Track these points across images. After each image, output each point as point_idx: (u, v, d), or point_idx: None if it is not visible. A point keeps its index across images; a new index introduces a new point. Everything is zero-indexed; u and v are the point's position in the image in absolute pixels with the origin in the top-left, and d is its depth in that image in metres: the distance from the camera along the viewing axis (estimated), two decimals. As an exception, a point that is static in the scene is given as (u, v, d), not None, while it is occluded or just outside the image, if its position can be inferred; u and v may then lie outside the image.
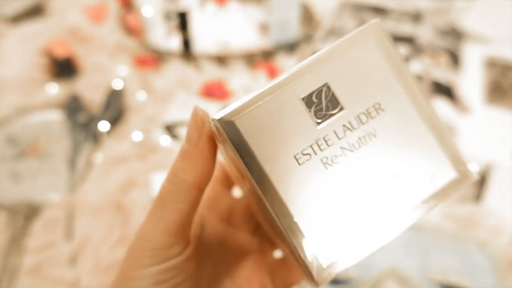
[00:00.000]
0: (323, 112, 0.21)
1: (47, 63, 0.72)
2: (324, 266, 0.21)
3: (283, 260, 0.32)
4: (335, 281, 0.51)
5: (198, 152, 0.24)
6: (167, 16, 0.80)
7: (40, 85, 0.70)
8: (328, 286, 0.51)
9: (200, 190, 0.25)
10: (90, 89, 0.69)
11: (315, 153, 0.21)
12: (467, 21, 0.89)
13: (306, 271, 0.21)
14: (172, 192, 0.25)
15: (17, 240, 0.49)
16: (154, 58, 0.75)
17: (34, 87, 0.70)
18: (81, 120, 0.64)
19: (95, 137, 0.62)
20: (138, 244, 0.25)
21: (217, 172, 0.33)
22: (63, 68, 0.71)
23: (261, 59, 0.77)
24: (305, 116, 0.21)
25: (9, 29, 0.80)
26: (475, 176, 0.23)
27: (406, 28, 0.87)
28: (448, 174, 0.23)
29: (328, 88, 0.21)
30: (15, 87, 0.69)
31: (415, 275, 0.51)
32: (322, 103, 0.21)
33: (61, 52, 0.72)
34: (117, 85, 0.69)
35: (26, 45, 0.77)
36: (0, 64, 0.73)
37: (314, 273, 0.21)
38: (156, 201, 0.25)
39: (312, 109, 0.21)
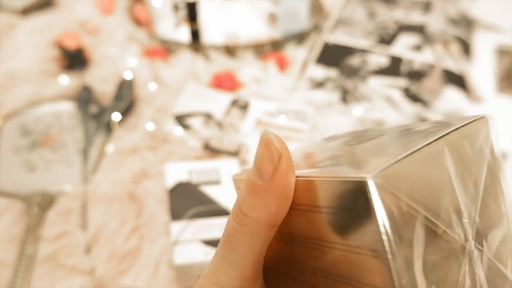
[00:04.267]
0: None
1: (58, 55, 0.72)
2: None
3: None
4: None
5: (271, 187, 0.21)
6: (176, 7, 0.80)
7: (51, 76, 0.70)
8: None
9: (274, 227, 0.22)
10: (100, 81, 0.69)
11: None
12: (478, 9, 0.89)
13: None
14: (244, 233, 0.22)
15: (32, 230, 0.49)
16: (163, 49, 0.75)
17: (45, 78, 0.70)
18: (92, 111, 0.64)
19: (107, 128, 0.62)
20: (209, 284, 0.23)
21: None
22: (74, 60, 0.71)
23: (270, 49, 0.76)
24: None
25: (20, 22, 0.81)
26: None
27: (416, 17, 0.86)
28: None
29: None
30: (27, 79, 0.69)
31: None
32: None
33: (71, 44, 0.72)
34: (128, 76, 0.69)
35: (36, 37, 0.77)
36: (11, 56, 0.74)
37: None
38: (225, 242, 0.23)
39: None
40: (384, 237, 0.16)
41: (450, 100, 0.69)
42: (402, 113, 0.67)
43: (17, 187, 0.55)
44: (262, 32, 0.80)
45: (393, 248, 0.16)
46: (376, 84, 0.72)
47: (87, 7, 0.84)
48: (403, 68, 0.75)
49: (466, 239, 0.19)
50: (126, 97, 0.65)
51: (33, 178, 0.56)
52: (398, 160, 0.17)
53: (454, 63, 0.76)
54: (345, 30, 0.83)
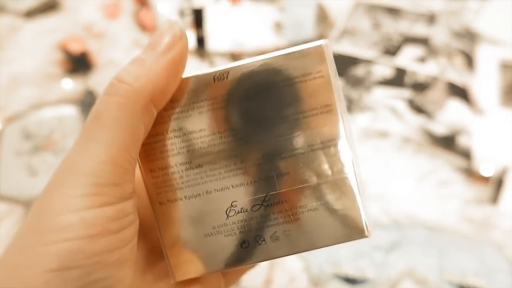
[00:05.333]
0: None
1: (62, 58, 0.72)
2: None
3: None
4: (351, 281, 0.51)
5: (164, 60, 0.19)
6: (182, 13, 0.80)
7: (55, 80, 0.70)
8: (344, 286, 0.51)
9: (156, 107, 0.20)
10: (105, 85, 0.69)
11: None
12: (481, 23, 0.89)
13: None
14: (119, 106, 0.19)
15: (33, 235, 0.49)
16: (168, 55, 0.75)
17: (49, 82, 0.70)
18: (96, 116, 0.64)
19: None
20: (68, 178, 0.18)
21: None
22: (78, 64, 0.71)
23: (275, 57, 0.76)
24: None
25: (24, 24, 0.80)
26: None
27: (421, 29, 0.86)
28: None
29: None
30: (30, 82, 0.69)
31: (433, 276, 0.51)
32: None
33: (76, 47, 0.72)
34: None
35: (40, 40, 0.77)
36: (15, 59, 0.73)
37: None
38: (93, 120, 0.19)
39: None
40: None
41: (453, 112, 0.70)
42: (406, 123, 0.67)
43: (19, 192, 0.54)
44: (267, 40, 0.80)
45: None
46: (381, 95, 0.72)
47: (92, 11, 0.84)
48: (407, 79, 0.75)
49: None
50: (130, 103, 0.65)
51: (35, 182, 0.56)
52: None
53: (457, 76, 0.76)
54: (350, 41, 0.83)
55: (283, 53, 0.22)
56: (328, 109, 0.22)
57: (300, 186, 0.23)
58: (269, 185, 0.23)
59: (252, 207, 0.23)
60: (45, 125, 0.63)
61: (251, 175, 0.23)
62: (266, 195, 0.23)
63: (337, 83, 0.23)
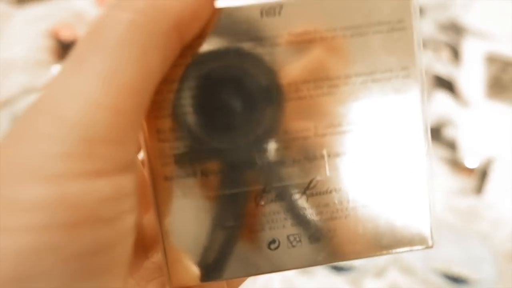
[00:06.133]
0: None
1: (53, 45, 0.72)
2: None
3: None
4: (338, 268, 0.52)
5: None
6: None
7: (45, 67, 0.69)
8: (331, 274, 0.52)
9: (180, 38, 0.14)
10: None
11: None
12: (468, 17, 0.90)
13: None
14: (130, 24, 0.12)
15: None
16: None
17: (39, 69, 0.69)
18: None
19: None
20: (42, 124, 0.11)
21: None
22: (69, 51, 0.71)
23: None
24: None
25: (15, 11, 0.79)
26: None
27: (408, 22, 0.87)
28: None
29: None
30: (21, 68, 0.69)
31: (419, 264, 0.52)
32: None
33: (67, 35, 0.72)
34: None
35: (32, 27, 0.76)
36: (5, 45, 0.73)
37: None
38: (90, 41, 0.13)
39: None
40: None
41: (440, 104, 0.71)
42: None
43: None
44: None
45: None
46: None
47: (82, -1, 0.84)
48: (396, 71, 0.76)
49: None
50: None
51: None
52: None
53: (444, 69, 0.78)
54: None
55: None
56: (406, 73, 0.17)
57: (357, 173, 0.18)
58: (317, 168, 0.17)
59: (291, 195, 0.18)
60: (36, 112, 0.63)
61: (295, 151, 0.17)
62: (311, 181, 0.17)
63: (420, 38, 0.18)
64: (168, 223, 0.17)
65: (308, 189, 0.17)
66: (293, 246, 0.18)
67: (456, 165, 0.61)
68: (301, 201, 0.17)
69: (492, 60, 0.82)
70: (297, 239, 0.18)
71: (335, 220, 0.18)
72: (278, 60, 0.17)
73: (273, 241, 0.18)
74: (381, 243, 0.18)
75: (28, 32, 0.75)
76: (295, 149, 0.17)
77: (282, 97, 0.17)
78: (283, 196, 0.17)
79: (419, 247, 0.19)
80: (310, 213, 0.18)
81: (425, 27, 0.86)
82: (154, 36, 0.12)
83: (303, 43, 0.17)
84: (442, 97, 0.72)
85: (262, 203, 0.17)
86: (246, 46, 0.16)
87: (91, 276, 0.11)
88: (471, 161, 0.62)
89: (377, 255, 0.18)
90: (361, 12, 0.17)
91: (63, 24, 0.75)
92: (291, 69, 0.17)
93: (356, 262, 0.52)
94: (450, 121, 0.68)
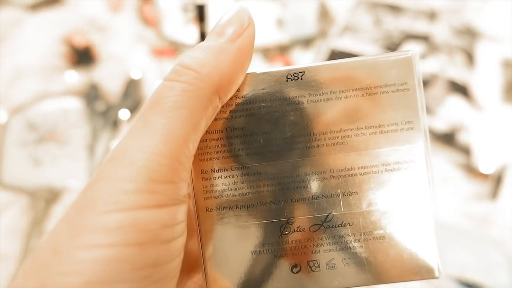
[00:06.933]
0: None
1: (66, 51, 0.72)
2: None
3: None
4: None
5: (231, 47, 0.17)
6: (185, 8, 0.80)
7: (59, 72, 0.70)
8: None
9: (220, 99, 0.18)
10: (108, 78, 0.69)
11: None
12: (482, 21, 0.89)
13: None
14: (182, 92, 0.16)
15: (38, 224, 0.49)
16: (172, 49, 0.76)
17: (53, 74, 0.70)
18: (99, 109, 0.64)
19: (114, 126, 0.62)
20: (119, 168, 0.15)
21: None
22: (82, 57, 0.71)
23: (277, 53, 0.77)
24: None
25: (29, 16, 0.81)
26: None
27: (421, 26, 0.87)
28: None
29: None
30: (34, 74, 0.70)
31: (432, 270, 0.51)
32: None
33: (80, 40, 0.72)
34: (136, 74, 0.69)
35: (45, 33, 0.77)
36: (19, 50, 0.74)
37: None
38: (152, 106, 0.16)
39: None
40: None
41: (453, 109, 0.70)
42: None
43: (23, 182, 0.55)
44: (270, 36, 0.81)
45: None
46: (382, 91, 0.72)
47: (96, 5, 0.84)
48: (408, 76, 0.75)
49: None
50: (133, 96, 0.65)
51: (39, 173, 0.56)
52: None
53: (458, 73, 0.77)
54: (352, 37, 0.84)
55: (367, 59, 0.20)
56: (410, 126, 0.20)
57: (368, 209, 0.21)
58: (332, 204, 0.21)
59: (311, 226, 0.21)
60: (49, 117, 0.63)
61: (315, 189, 0.21)
62: (328, 215, 0.21)
63: (422, 98, 0.21)
64: (208, 248, 0.21)
65: (325, 222, 0.21)
66: (313, 271, 0.21)
67: (470, 170, 0.60)
68: (319, 232, 0.21)
69: (508, 64, 0.81)
70: (316, 265, 0.21)
71: (349, 251, 0.21)
72: (301, 115, 0.21)
73: (295, 266, 0.21)
74: (391, 273, 0.21)
75: (42, 38, 0.76)
76: (315, 188, 0.21)
77: (307, 145, 0.21)
78: (304, 227, 0.21)
79: (427, 277, 0.21)
80: (327, 243, 0.21)
81: (439, 32, 0.86)
82: (200, 100, 0.16)
83: (321, 101, 0.20)
84: (456, 102, 0.72)
85: (286, 232, 0.21)
86: (274, 104, 0.20)
87: (153, 283, 0.15)
88: (486, 167, 0.61)
89: (386, 283, 0.21)
90: (371, 77, 0.20)
91: (76, 30, 0.76)
92: (312, 123, 0.20)
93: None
94: (465, 126, 0.67)
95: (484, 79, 0.77)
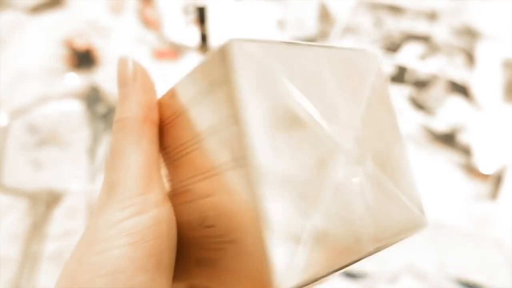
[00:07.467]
0: None
1: (67, 54, 0.73)
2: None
3: None
4: (351, 275, 0.51)
5: (135, 87, 0.23)
6: (185, 10, 0.80)
7: (60, 75, 0.70)
8: (343, 281, 0.51)
9: (152, 123, 0.23)
10: (109, 81, 0.70)
11: None
12: (482, 21, 0.89)
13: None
14: (127, 137, 0.22)
15: (38, 227, 0.49)
16: (172, 51, 0.76)
17: (54, 77, 0.70)
18: (100, 111, 0.65)
19: (114, 128, 0.62)
20: (110, 197, 0.21)
21: None
22: (83, 59, 0.72)
23: (277, 54, 0.77)
24: None
25: (30, 19, 0.81)
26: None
27: (421, 27, 0.87)
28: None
29: None
30: (35, 76, 0.70)
31: (432, 271, 0.51)
32: None
33: (81, 43, 0.72)
34: (136, 77, 0.69)
35: (46, 36, 0.77)
36: (20, 53, 0.74)
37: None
38: (113, 155, 0.22)
39: None
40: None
41: (454, 109, 0.70)
42: (406, 121, 0.67)
43: (24, 184, 0.55)
44: (270, 37, 0.81)
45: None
46: (382, 92, 0.72)
47: (96, 7, 0.85)
48: (408, 76, 0.75)
49: (341, 135, 0.20)
50: (133, 98, 0.66)
51: (40, 175, 0.56)
52: (270, 42, 0.18)
53: (458, 73, 0.77)
54: (352, 38, 0.84)
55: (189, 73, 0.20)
56: (239, 164, 0.17)
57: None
58: None
59: None
60: (50, 119, 0.63)
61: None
62: None
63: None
64: None
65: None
66: None
67: (471, 170, 0.60)
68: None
69: (508, 64, 0.81)
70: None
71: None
72: None
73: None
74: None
75: (43, 41, 0.76)
76: None
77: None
78: None
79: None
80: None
81: (439, 32, 0.85)
82: (138, 131, 0.22)
83: None
84: (456, 102, 0.71)
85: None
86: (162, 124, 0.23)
87: (147, 271, 0.20)
88: (486, 167, 0.61)
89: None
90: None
91: (77, 32, 0.76)
92: None
93: (369, 269, 0.51)
94: (465, 126, 0.67)
95: (484, 79, 0.77)
